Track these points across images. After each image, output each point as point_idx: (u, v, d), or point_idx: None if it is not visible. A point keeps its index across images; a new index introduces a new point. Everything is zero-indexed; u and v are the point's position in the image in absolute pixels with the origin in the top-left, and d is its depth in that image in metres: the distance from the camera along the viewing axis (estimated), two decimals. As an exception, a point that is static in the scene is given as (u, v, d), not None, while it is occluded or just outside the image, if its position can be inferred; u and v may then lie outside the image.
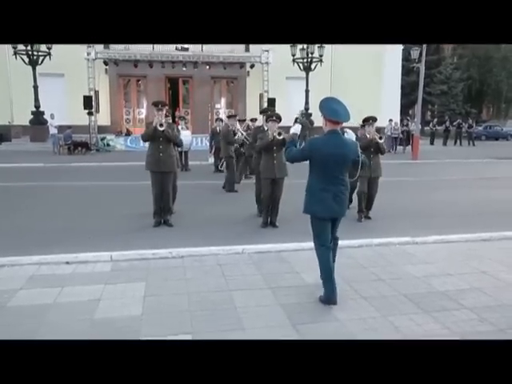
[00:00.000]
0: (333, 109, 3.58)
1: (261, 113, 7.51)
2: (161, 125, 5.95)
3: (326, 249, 3.71)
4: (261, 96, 21.26)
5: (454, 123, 26.25)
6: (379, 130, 7.06)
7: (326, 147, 3.59)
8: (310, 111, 22.53)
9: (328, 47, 22.94)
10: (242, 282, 4.08)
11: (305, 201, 3.76)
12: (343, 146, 3.62)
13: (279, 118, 6.42)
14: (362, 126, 7.16)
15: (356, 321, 3.32)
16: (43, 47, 20.37)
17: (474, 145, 25.73)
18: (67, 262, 4.50)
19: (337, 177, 3.63)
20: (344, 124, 3.68)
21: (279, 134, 6.08)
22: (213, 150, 12.91)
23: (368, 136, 6.80)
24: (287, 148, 3.97)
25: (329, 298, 3.64)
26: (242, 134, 9.70)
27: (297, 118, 20.43)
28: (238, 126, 9.99)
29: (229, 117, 10.75)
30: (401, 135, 21.39)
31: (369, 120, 6.92)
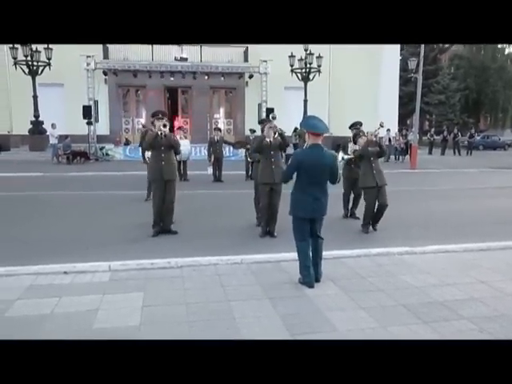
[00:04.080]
0: (312, 124, 4.22)
1: (259, 123, 7.56)
2: (164, 125, 6.01)
3: (305, 243, 4.30)
4: (259, 106, 21.37)
5: (452, 133, 26.42)
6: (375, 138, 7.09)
7: (308, 158, 4.20)
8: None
9: (326, 57, 23.10)
10: (241, 292, 4.07)
11: (290, 204, 4.38)
12: (323, 157, 4.21)
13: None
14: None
15: (355, 331, 3.31)
16: (43, 57, 20.47)
17: (471, 154, 25.88)
18: (65, 272, 4.48)
19: (317, 183, 4.26)
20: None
21: (279, 134, 6.16)
22: (211, 160, 12.95)
23: (358, 147, 6.89)
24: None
25: (309, 283, 4.20)
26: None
27: (296, 128, 20.60)
28: None
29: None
30: (402, 145, 21.56)
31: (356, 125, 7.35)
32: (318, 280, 4.31)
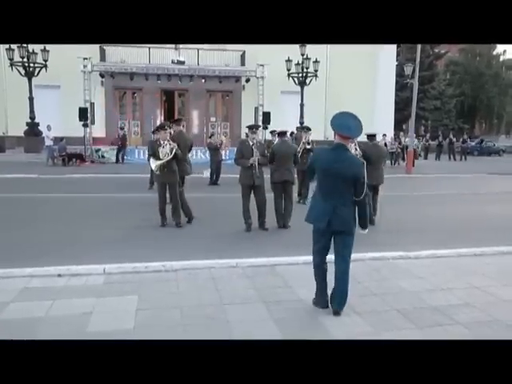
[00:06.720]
0: (340, 123, 3.57)
1: (249, 128, 7.43)
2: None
3: (317, 256, 3.82)
4: (256, 110, 21.41)
5: (447, 139, 26.61)
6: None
7: (326, 159, 3.66)
8: (304, 125, 22.70)
9: (323, 62, 23.19)
10: (235, 295, 4.07)
11: (308, 209, 3.87)
12: (344, 161, 3.56)
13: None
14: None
15: (348, 336, 3.31)
16: (39, 59, 20.43)
17: (465, 159, 26.05)
18: (59, 275, 4.46)
19: (336, 191, 3.59)
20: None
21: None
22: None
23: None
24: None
25: (317, 302, 3.86)
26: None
27: (292, 132, 20.61)
28: None
29: None
30: (399, 150, 21.77)
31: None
32: (336, 312, 3.68)
